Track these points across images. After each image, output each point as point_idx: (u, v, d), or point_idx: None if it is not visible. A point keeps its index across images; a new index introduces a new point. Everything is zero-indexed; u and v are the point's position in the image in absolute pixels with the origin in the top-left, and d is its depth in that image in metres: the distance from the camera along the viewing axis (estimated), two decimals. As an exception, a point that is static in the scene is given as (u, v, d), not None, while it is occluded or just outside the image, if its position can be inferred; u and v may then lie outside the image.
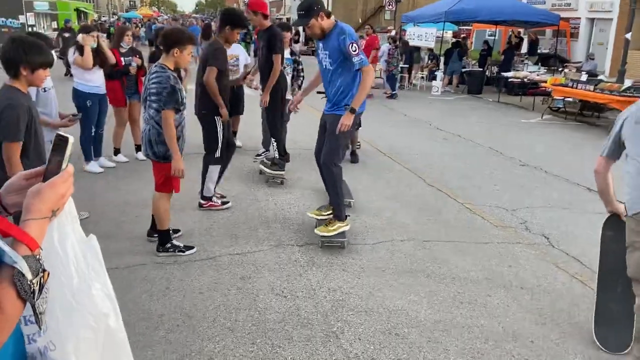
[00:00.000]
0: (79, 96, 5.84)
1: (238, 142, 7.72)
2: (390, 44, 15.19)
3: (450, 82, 16.20)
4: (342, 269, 3.98)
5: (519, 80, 14.29)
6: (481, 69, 16.81)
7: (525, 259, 4.32)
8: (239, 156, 7.16)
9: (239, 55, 7.30)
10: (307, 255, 4.19)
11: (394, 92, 14.27)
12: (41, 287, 1.04)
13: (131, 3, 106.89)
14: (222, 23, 4.89)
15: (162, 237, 4.14)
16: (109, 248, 4.18)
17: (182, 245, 4.15)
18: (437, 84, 15.59)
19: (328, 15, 4.22)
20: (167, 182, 4.02)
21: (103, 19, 42.32)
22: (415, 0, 52.70)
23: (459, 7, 15.11)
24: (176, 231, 4.46)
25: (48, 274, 1.07)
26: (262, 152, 6.98)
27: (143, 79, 6.59)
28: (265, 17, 5.84)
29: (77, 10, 29.41)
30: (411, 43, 17.52)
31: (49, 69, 2.95)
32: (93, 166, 6.15)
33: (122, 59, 6.24)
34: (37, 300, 1.04)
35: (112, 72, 6.12)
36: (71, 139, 1.09)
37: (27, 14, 22.53)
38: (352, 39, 4.08)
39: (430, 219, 5.18)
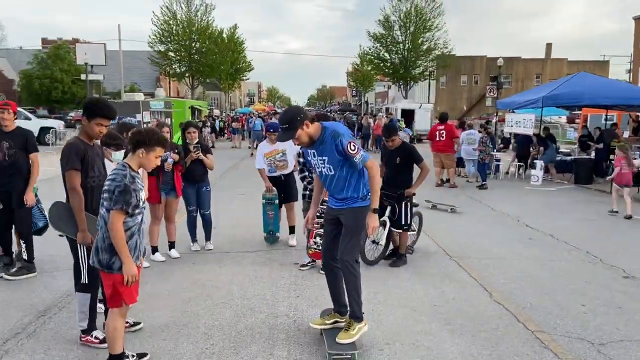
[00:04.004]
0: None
1: (292, 241, 7.14)
2: (481, 131, 14.28)
3: (547, 171, 14.68)
4: None
5: (635, 170, 12.45)
6: (589, 157, 15.10)
7: None
8: (283, 256, 6.56)
9: (286, 149, 6.90)
10: (299, 402, 3.30)
11: (484, 183, 13.09)
12: None
13: (251, 99, 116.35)
14: (82, 114, 4.04)
15: None
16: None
17: None
18: (537, 172, 14.12)
19: (312, 120, 3.87)
20: (116, 296, 3.44)
21: (216, 113, 45.93)
22: (524, 84, 51.32)
23: (558, 91, 13.94)
24: (142, 355, 3.77)
25: None
26: (309, 263, 6.22)
27: (181, 175, 6.39)
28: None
29: (192, 107, 32.00)
30: (508, 130, 16.42)
31: None
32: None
33: (159, 155, 6.07)
34: None
35: (148, 169, 5.94)
36: None
37: (144, 112, 24.86)
38: (349, 138, 3.84)
39: (482, 353, 4.04)
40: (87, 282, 3.92)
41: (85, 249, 3.89)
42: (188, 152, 6.44)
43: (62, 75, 42.49)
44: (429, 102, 39.08)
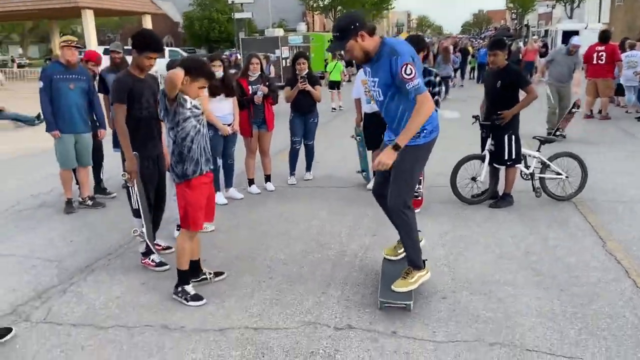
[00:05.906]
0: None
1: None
2: (646, 51, 11.97)
3: None
4: (362, 377, 2.83)
5: None
6: None
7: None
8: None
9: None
10: (332, 348, 3.12)
11: (646, 113, 11.13)
12: None
13: (399, 29, 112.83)
14: (132, 47, 4.03)
15: (179, 277, 3.76)
16: (150, 301, 3.84)
17: (191, 294, 3.70)
18: None
19: (372, 32, 3.26)
20: (186, 217, 3.62)
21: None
22: None
23: None
24: (218, 274, 4.05)
25: None
26: None
27: (273, 108, 6.34)
28: None
29: (330, 40, 31.80)
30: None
31: None
32: (218, 197, 6.06)
33: (249, 87, 6.05)
34: None
35: (239, 102, 5.97)
36: None
37: (282, 47, 25.41)
38: (406, 60, 3.15)
39: (566, 311, 3.45)
40: (138, 207, 4.12)
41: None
42: (297, 83, 6.42)
43: (218, 15, 44.97)
44: (599, 22, 33.99)
